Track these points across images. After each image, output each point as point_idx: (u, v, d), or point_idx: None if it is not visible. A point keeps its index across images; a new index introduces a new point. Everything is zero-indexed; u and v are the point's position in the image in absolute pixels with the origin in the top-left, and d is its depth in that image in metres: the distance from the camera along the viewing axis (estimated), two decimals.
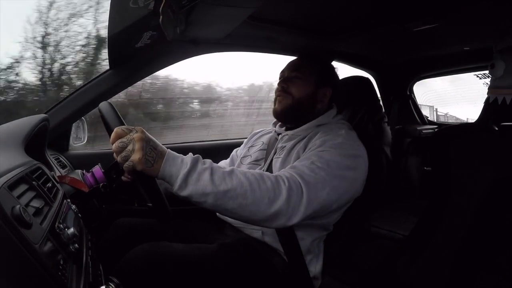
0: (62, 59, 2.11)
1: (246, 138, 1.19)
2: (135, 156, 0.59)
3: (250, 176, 0.65)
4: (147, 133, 0.63)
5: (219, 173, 0.64)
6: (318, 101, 0.95)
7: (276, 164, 0.89)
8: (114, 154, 0.62)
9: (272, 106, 0.99)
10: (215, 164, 0.67)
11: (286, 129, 0.97)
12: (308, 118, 0.93)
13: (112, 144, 0.61)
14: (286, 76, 0.96)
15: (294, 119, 0.94)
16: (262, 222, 0.67)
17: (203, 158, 1.10)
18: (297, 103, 0.92)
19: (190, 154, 0.66)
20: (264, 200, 0.64)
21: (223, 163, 1.16)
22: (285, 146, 0.91)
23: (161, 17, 0.67)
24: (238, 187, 0.63)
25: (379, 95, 1.29)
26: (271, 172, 0.85)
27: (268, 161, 0.94)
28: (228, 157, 1.17)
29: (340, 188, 0.73)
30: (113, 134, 0.61)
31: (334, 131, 0.85)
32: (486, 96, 0.78)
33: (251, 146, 1.05)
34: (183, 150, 1.60)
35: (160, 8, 0.65)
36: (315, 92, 0.94)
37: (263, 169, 0.92)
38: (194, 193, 0.62)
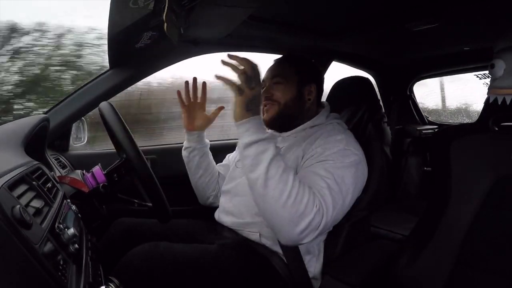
0: None
1: None
2: (250, 92, 0.71)
3: (297, 182, 0.68)
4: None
5: (278, 162, 0.69)
6: (305, 100, 0.93)
7: None
8: (241, 74, 0.71)
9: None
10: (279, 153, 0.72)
11: (281, 131, 0.95)
12: (299, 118, 0.92)
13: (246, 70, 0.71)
14: (268, 85, 0.93)
15: (286, 123, 0.93)
16: (278, 225, 0.68)
17: None
18: (284, 107, 0.91)
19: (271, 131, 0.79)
20: (293, 210, 0.66)
21: (218, 167, 1.15)
22: (280, 148, 0.90)
23: (165, 24, 0.67)
24: (281, 183, 0.66)
25: (379, 95, 1.28)
26: None
27: None
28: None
29: (349, 204, 0.76)
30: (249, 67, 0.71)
31: (332, 136, 0.83)
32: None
33: None
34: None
35: (164, 14, 0.65)
36: (300, 91, 0.92)
37: None
38: (248, 155, 0.69)
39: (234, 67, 0.71)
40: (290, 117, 0.92)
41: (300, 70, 0.94)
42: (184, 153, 1.07)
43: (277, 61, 0.98)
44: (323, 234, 0.86)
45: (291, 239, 0.68)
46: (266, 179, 0.66)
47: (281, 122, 0.92)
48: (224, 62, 0.72)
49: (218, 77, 0.72)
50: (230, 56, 0.72)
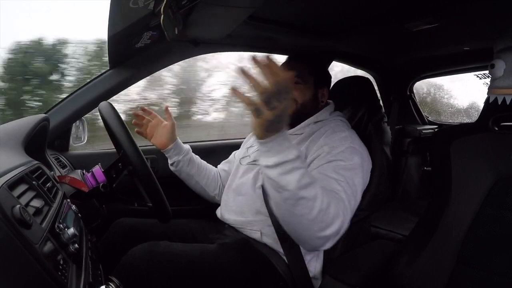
0: None
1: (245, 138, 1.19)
2: (270, 114, 0.55)
3: (324, 196, 0.64)
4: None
5: (305, 180, 0.61)
6: (319, 102, 0.95)
7: None
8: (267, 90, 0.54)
9: None
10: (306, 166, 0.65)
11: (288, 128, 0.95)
12: (308, 117, 0.93)
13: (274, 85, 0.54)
14: None
15: (298, 122, 0.93)
16: (305, 237, 0.67)
17: (203, 158, 1.10)
18: (302, 107, 0.92)
19: (294, 144, 0.63)
20: (322, 224, 0.63)
21: (222, 165, 1.16)
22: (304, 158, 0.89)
23: (162, 16, 0.67)
24: (311, 201, 0.61)
25: (379, 95, 1.28)
26: None
27: None
28: (227, 157, 1.17)
29: (357, 204, 0.76)
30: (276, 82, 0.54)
31: (337, 133, 0.84)
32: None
33: (250, 147, 1.05)
34: None
35: (161, 8, 0.65)
36: (315, 94, 0.94)
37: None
38: (276, 179, 0.60)
39: (252, 80, 0.55)
40: (304, 116, 0.93)
41: (317, 73, 0.95)
42: (171, 168, 1.07)
43: (293, 59, 0.97)
44: None
45: (316, 248, 0.68)
46: (296, 199, 0.61)
47: (295, 121, 0.93)
48: (242, 71, 0.56)
49: (233, 91, 0.58)
50: (254, 60, 0.54)
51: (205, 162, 1.12)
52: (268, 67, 0.54)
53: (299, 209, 0.61)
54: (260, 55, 0.57)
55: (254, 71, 0.55)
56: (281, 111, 0.56)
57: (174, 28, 0.74)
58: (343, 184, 0.72)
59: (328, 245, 0.67)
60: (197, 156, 1.11)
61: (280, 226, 0.78)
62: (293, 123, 0.93)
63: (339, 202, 0.68)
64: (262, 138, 0.60)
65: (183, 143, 1.07)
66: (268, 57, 0.55)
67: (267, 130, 0.58)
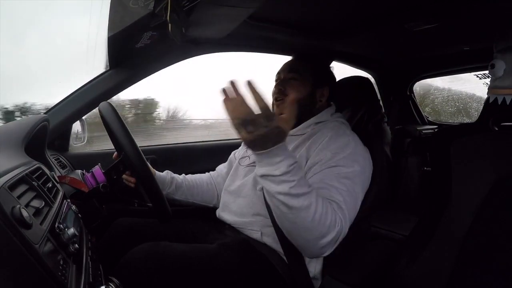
0: None
1: None
2: (249, 136, 0.58)
3: (319, 204, 0.65)
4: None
5: (298, 190, 0.62)
6: (317, 101, 0.95)
7: None
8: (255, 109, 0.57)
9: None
10: (302, 175, 0.65)
11: None
12: (307, 118, 0.93)
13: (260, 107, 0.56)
14: (283, 78, 0.95)
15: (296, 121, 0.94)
16: (302, 244, 0.69)
17: (203, 158, 1.10)
18: (297, 105, 0.91)
19: (292, 159, 0.63)
20: (316, 232, 0.65)
21: (222, 166, 1.16)
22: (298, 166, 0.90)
23: (169, 25, 0.67)
24: (303, 210, 0.62)
25: (379, 95, 1.29)
26: None
27: None
28: (228, 158, 1.17)
29: (356, 212, 0.77)
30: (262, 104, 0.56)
31: (340, 137, 0.84)
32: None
33: None
34: (183, 150, 1.60)
35: (168, 16, 0.65)
36: (313, 92, 0.94)
37: None
38: (266, 187, 0.63)
39: (228, 104, 0.57)
40: (300, 115, 0.92)
41: (318, 71, 0.96)
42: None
43: (296, 57, 0.99)
44: None
45: (314, 255, 0.70)
46: (288, 207, 0.63)
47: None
48: (224, 92, 0.59)
49: (224, 103, 0.59)
50: (233, 86, 0.58)
51: (194, 178, 1.10)
52: (250, 92, 0.56)
53: (292, 217, 0.63)
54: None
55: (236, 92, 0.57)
56: (259, 136, 0.57)
57: (182, 29, 0.74)
58: (344, 194, 0.73)
59: (326, 253, 0.68)
60: (183, 176, 1.08)
61: (279, 227, 0.78)
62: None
63: (337, 212, 0.69)
64: (252, 150, 0.61)
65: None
66: (248, 82, 0.56)
67: (253, 146, 0.60)
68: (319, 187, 0.73)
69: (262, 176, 0.63)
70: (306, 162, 0.83)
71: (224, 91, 0.59)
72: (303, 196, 0.62)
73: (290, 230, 0.68)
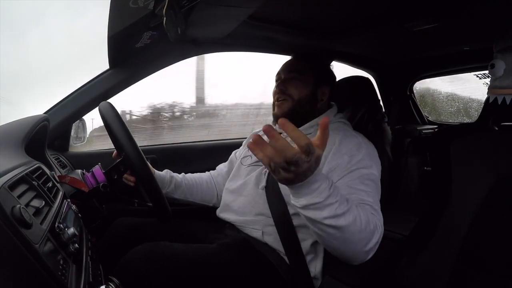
0: None
1: (245, 138, 1.19)
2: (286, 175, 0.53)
3: (360, 216, 0.63)
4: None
5: (339, 209, 0.59)
6: (318, 100, 0.95)
7: None
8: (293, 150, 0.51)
9: (272, 111, 0.97)
10: (339, 191, 0.61)
11: None
12: (309, 118, 0.93)
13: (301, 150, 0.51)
14: (284, 78, 0.95)
15: (296, 121, 0.93)
16: (349, 255, 0.67)
17: (203, 158, 1.10)
18: (298, 104, 0.92)
19: (328, 180, 0.59)
20: (363, 242, 0.64)
21: (222, 166, 1.16)
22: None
23: (164, 18, 0.67)
24: (351, 225, 0.61)
25: (379, 95, 1.29)
26: None
27: None
28: (227, 158, 1.17)
29: None
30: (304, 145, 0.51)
31: (349, 138, 0.85)
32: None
33: None
34: (183, 149, 1.60)
35: (164, 10, 0.65)
36: (314, 91, 0.94)
37: (264, 171, 0.92)
38: (309, 216, 0.60)
39: (258, 152, 0.52)
40: (302, 114, 0.93)
41: (319, 71, 0.96)
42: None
43: (296, 57, 1.00)
44: None
45: (361, 261, 0.68)
46: (335, 228, 0.60)
47: (292, 119, 0.92)
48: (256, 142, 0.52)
49: (250, 147, 0.54)
50: (268, 133, 0.51)
51: (194, 177, 1.09)
52: (288, 132, 0.52)
53: (341, 235, 0.61)
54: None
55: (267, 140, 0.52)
56: (302, 171, 0.53)
57: (177, 29, 0.74)
58: (372, 195, 0.74)
59: (370, 256, 0.68)
60: (182, 175, 1.08)
61: (281, 226, 0.78)
62: (293, 122, 0.93)
63: (374, 214, 0.70)
64: (288, 185, 0.57)
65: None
66: (283, 123, 0.53)
67: (291, 183, 0.56)
68: (348, 193, 0.72)
69: (304, 207, 0.59)
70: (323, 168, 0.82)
71: (258, 138, 0.53)
72: (348, 212, 0.60)
73: (338, 247, 0.65)
